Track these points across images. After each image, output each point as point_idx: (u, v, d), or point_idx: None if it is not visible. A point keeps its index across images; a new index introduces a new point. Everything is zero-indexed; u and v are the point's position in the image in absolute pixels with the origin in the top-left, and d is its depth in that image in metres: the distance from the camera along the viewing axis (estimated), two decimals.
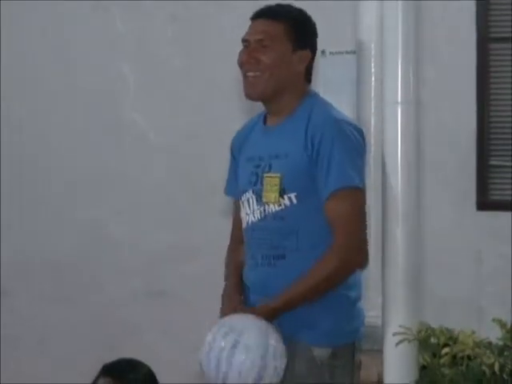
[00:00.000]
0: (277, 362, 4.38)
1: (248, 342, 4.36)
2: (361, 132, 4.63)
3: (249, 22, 4.72)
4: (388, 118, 4.78)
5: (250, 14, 4.73)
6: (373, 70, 4.98)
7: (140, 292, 7.99)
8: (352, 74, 5.11)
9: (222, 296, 4.83)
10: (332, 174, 4.48)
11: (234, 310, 4.60)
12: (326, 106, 4.66)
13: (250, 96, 4.68)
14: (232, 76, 4.82)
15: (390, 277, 4.75)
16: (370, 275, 4.83)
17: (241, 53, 4.64)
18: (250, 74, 4.60)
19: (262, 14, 4.66)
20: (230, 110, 5.32)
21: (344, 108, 4.95)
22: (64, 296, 8.20)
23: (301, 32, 4.65)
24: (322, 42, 4.98)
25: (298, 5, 4.70)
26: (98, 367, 5.36)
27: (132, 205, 8.08)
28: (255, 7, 4.77)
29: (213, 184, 5.17)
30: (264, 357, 4.35)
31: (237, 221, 4.94)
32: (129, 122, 8.20)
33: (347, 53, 5.14)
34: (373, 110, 4.97)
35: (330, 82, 4.98)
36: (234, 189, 4.93)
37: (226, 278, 4.88)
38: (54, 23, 8.32)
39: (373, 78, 4.98)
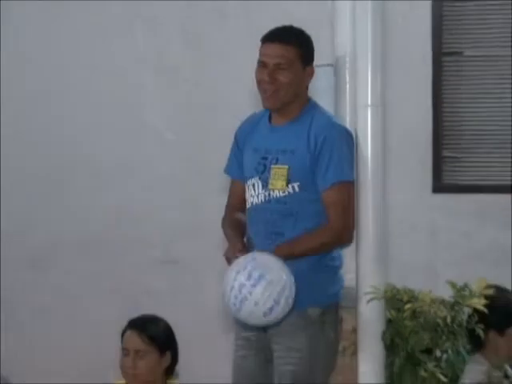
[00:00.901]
0: (289, 294, 4.43)
1: (271, 278, 4.38)
2: (351, 133, 4.79)
3: (247, 39, 4.78)
4: (360, 119, 4.81)
5: (249, 31, 4.77)
6: (347, 79, 5.04)
7: (157, 261, 8.02)
8: (330, 82, 5.16)
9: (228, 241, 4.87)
10: (331, 169, 4.64)
11: (242, 250, 4.64)
12: (324, 112, 4.83)
13: (269, 107, 4.80)
14: (233, 81, 4.84)
15: (362, 248, 4.78)
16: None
17: (259, 72, 4.71)
18: (269, 91, 4.66)
19: (276, 39, 4.70)
20: (231, 109, 5.33)
21: (323, 105, 5.02)
22: (91, 268, 8.21)
23: (308, 52, 4.78)
24: None
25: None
26: (124, 324, 5.38)
27: (150, 188, 8.07)
28: (254, 25, 4.82)
29: (217, 170, 5.18)
30: (280, 293, 4.39)
31: (232, 194, 5.06)
32: (147, 121, 8.18)
33: (326, 65, 5.17)
34: (348, 112, 5.01)
35: (313, 89, 5.00)
36: (232, 169, 5.05)
37: (226, 234, 4.94)
38: (86, 38, 8.26)
39: (347, 86, 5.04)
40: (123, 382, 5.39)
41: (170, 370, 5.36)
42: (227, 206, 5.05)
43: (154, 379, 5.28)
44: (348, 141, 4.74)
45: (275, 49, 4.66)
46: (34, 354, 7.96)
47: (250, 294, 4.34)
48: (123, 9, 8.21)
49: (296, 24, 5.39)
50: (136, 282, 7.84)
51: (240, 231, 4.90)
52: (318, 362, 4.76)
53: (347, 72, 5.02)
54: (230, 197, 5.06)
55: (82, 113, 8.33)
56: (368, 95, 4.76)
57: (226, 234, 4.95)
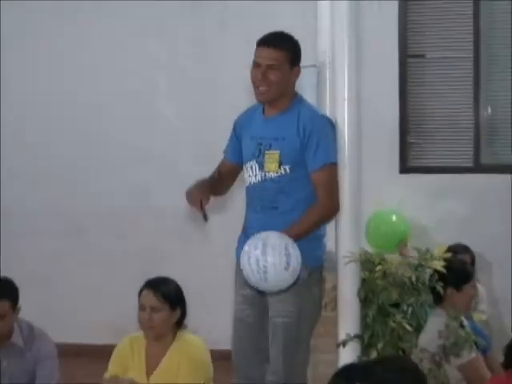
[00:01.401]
0: (297, 252, 4.45)
1: (273, 243, 4.43)
2: (333, 123, 4.86)
3: (243, 43, 4.84)
4: (338, 110, 4.87)
5: (244, 36, 4.81)
6: (328, 77, 5.05)
7: (171, 231, 8.07)
8: (314, 80, 5.17)
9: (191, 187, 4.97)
10: (320, 154, 4.69)
11: (202, 195, 4.80)
12: (310, 105, 4.87)
13: (261, 101, 4.84)
14: (231, 78, 4.86)
15: (341, 219, 4.83)
16: None
17: (254, 71, 4.73)
18: (262, 88, 4.71)
19: (270, 42, 4.72)
20: (230, 102, 5.35)
21: (308, 100, 5.05)
22: (118, 234, 8.27)
23: (295, 55, 4.78)
24: None
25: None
26: (142, 283, 5.41)
27: (166, 169, 8.11)
28: (249, 31, 4.85)
29: (216, 152, 5.21)
30: (287, 249, 4.42)
31: (222, 163, 5.14)
32: (160, 113, 8.21)
33: (310, 66, 5.18)
34: (328, 105, 5.03)
35: (300, 86, 5.00)
36: (229, 152, 5.10)
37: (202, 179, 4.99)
38: (110, 40, 8.27)
39: (328, 83, 5.06)
40: (141, 333, 5.44)
41: (179, 323, 5.39)
42: (215, 169, 5.10)
43: (166, 331, 5.30)
44: (331, 129, 4.81)
45: (268, 52, 4.69)
46: (63, 310, 8.00)
47: (266, 261, 4.38)
48: (139, 17, 8.23)
49: (284, 29, 5.44)
50: (153, 247, 7.85)
51: (212, 184, 4.94)
52: (306, 315, 4.78)
53: (328, 72, 5.03)
54: (219, 165, 5.12)
55: (107, 106, 8.34)
56: (345, 91, 4.83)
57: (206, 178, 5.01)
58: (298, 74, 4.79)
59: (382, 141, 7.68)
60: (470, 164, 7.88)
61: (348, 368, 4.32)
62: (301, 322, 4.77)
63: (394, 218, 6.80)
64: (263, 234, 4.52)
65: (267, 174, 4.77)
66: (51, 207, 8.45)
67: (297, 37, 4.80)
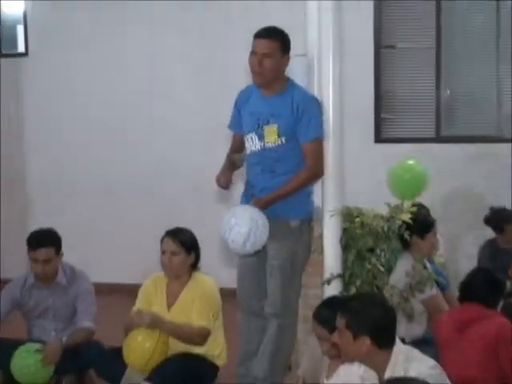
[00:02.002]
0: (263, 222, 4.57)
1: (239, 215, 4.61)
2: (321, 103, 4.85)
3: (244, 35, 4.85)
4: (324, 92, 4.85)
5: (246, 29, 4.81)
6: (315, 64, 4.99)
7: (186, 189, 8.09)
8: (303, 67, 5.13)
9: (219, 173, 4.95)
10: (311, 129, 4.73)
11: (226, 180, 4.86)
12: (301, 88, 4.87)
13: (256, 83, 4.85)
14: (233, 64, 4.86)
15: (326, 180, 4.84)
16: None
17: (251, 59, 4.74)
18: (257, 72, 4.73)
19: (265, 35, 4.74)
20: (233, 83, 5.33)
21: (299, 83, 5.02)
22: (144, 192, 8.30)
23: (286, 44, 4.78)
24: None
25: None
26: (163, 233, 5.46)
27: (182, 138, 8.12)
28: (249, 26, 4.84)
29: (223, 125, 5.21)
30: (252, 220, 4.55)
31: (234, 143, 5.11)
32: (177, 92, 8.22)
33: (301, 55, 5.16)
34: (315, 87, 4.98)
35: (292, 72, 4.99)
36: (233, 125, 5.10)
37: (224, 165, 4.99)
38: (135, 36, 8.33)
39: (315, 69, 4.99)
40: (162, 274, 5.46)
41: (194, 266, 5.41)
42: (230, 146, 5.12)
43: (183, 271, 5.32)
44: (320, 108, 4.81)
45: (263, 42, 4.71)
46: (99, 254, 8.06)
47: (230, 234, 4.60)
48: (160, 16, 8.23)
49: (279, 24, 5.40)
50: (173, 205, 7.87)
51: (232, 165, 4.96)
52: (298, 258, 4.84)
53: (315, 60, 4.97)
54: (232, 141, 5.14)
55: (133, 87, 8.36)
56: (330, 75, 4.83)
57: (225, 162, 5.02)
58: (288, 61, 4.81)
59: (360, 116, 7.65)
60: (432, 135, 7.90)
61: (331, 300, 4.37)
62: (294, 264, 4.81)
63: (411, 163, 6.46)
64: (232, 210, 4.72)
65: (266, 144, 4.80)
66: (89, 172, 8.49)
67: (289, 30, 4.79)
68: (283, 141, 4.75)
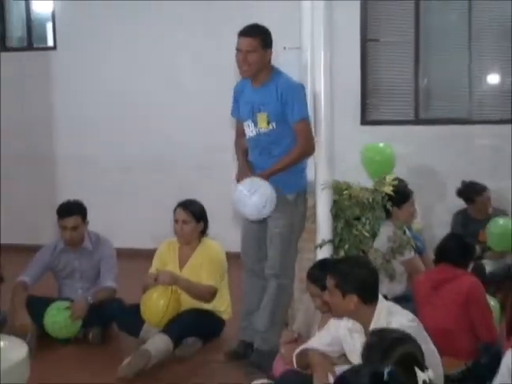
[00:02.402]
0: (272, 197, 4.55)
1: (262, 190, 4.54)
2: (304, 87, 4.77)
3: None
4: (316, 81, 4.80)
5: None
6: (308, 56, 4.93)
7: (194, 166, 8.06)
8: (298, 58, 5.07)
9: (238, 169, 4.92)
10: (296, 111, 4.65)
11: (248, 176, 4.70)
12: (285, 75, 4.77)
13: (243, 76, 4.81)
14: (232, 58, 4.78)
15: (319, 157, 4.80)
16: None
17: (237, 56, 4.69)
18: (244, 68, 4.68)
19: (247, 33, 4.67)
20: (231, 74, 5.30)
21: (295, 75, 4.98)
22: (158, 169, 8.29)
23: (267, 40, 4.70)
24: (282, 42, 5.01)
25: (267, 25, 4.76)
26: (175, 204, 5.46)
27: (191, 126, 8.08)
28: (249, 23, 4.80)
29: (227, 118, 5.19)
30: (268, 197, 4.53)
31: (238, 127, 5.02)
32: (185, 82, 8.18)
33: (295, 48, 5.12)
34: (309, 76, 4.92)
35: (287, 62, 4.96)
36: (234, 112, 5.02)
37: (238, 158, 4.97)
38: (151, 35, 8.26)
39: (309, 61, 4.93)
40: (175, 239, 5.47)
41: (203, 232, 5.43)
42: (236, 134, 5.04)
43: (193, 237, 5.33)
44: (303, 92, 4.75)
45: (246, 40, 4.65)
46: (119, 223, 8.06)
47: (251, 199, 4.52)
48: (167, 12, 8.18)
49: (277, 22, 5.41)
50: (183, 180, 7.84)
51: (245, 156, 4.92)
52: (295, 226, 4.82)
53: (309, 52, 4.92)
54: (236, 128, 5.07)
55: (150, 79, 8.33)
56: (321, 66, 4.77)
57: (237, 154, 5.00)
58: (270, 55, 4.74)
59: (348, 102, 7.61)
60: (411, 118, 7.87)
61: (322, 262, 4.37)
62: (291, 231, 4.80)
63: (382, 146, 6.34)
64: (254, 181, 4.61)
65: (260, 129, 4.76)
66: (110, 153, 8.49)
67: (285, 26, 4.79)
68: (274, 126, 4.71)
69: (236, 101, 4.98)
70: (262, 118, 4.74)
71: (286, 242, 4.77)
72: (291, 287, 4.91)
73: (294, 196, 4.77)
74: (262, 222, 4.81)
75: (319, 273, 4.06)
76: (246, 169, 4.84)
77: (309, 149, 4.77)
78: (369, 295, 3.51)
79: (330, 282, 3.56)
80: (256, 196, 4.50)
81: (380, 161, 5.57)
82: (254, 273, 5.00)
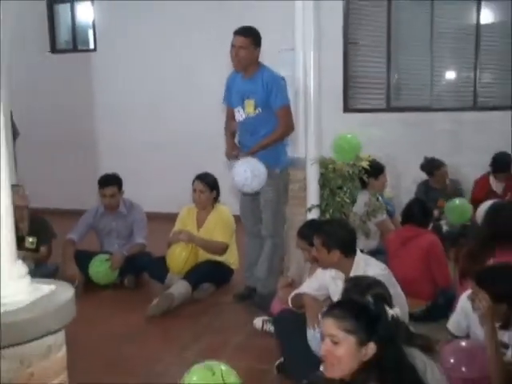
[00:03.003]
0: (262, 171, 4.56)
1: (257, 167, 4.55)
2: (284, 79, 4.81)
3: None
4: (307, 77, 4.73)
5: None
6: (301, 56, 4.89)
7: (208, 147, 7.88)
8: (292, 58, 5.06)
9: (226, 146, 4.90)
10: (278, 99, 4.61)
11: (234, 152, 4.77)
12: (269, 69, 4.72)
13: (236, 69, 4.75)
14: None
15: (308, 138, 4.75)
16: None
17: (231, 51, 4.63)
18: (236, 61, 4.64)
19: (240, 33, 4.62)
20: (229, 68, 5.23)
21: (289, 72, 4.94)
22: (180, 148, 8.22)
23: (257, 40, 4.64)
24: (278, 44, 4.97)
25: (261, 29, 4.71)
26: (193, 176, 5.43)
27: (204, 114, 8.01)
28: (254, 23, 4.72)
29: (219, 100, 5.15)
30: (259, 174, 4.55)
31: (228, 113, 4.94)
32: (199, 72, 8.05)
33: (289, 49, 5.07)
34: (301, 72, 4.89)
35: (282, 62, 4.93)
36: (226, 100, 4.94)
37: (226, 138, 4.93)
38: (168, 34, 8.13)
39: (301, 59, 4.89)
40: (194, 205, 5.47)
41: (216, 199, 5.44)
42: (226, 118, 4.98)
43: (208, 204, 5.33)
44: (284, 83, 4.74)
45: (239, 39, 4.62)
46: (149, 192, 8.02)
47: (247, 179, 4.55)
48: (187, 17, 8.06)
49: (272, 24, 5.33)
50: (199, 157, 7.77)
51: (233, 136, 4.89)
52: (280, 195, 4.83)
53: (301, 52, 4.88)
54: (226, 114, 4.98)
55: (170, 72, 8.24)
56: (311, 64, 4.69)
57: (226, 135, 4.94)
58: (259, 52, 4.68)
59: (333, 93, 7.52)
60: (384, 107, 7.78)
61: (309, 223, 4.37)
62: (279, 199, 4.81)
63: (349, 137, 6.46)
64: (246, 160, 4.59)
65: (248, 114, 4.71)
66: (141, 135, 8.44)
67: (281, 30, 4.70)
68: (260, 111, 4.67)
69: (228, 90, 4.91)
70: (249, 104, 4.69)
71: (275, 207, 4.77)
72: (283, 243, 4.93)
73: (278, 171, 4.76)
74: (256, 195, 4.80)
75: (307, 231, 4.08)
76: (233, 147, 4.82)
77: (289, 129, 4.75)
78: (349, 250, 3.51)
79: (316, 240, 3.56)
80: (255, 181, 4.55)
81: (347, 148, 5.56)
82: (253, 234, 5.01)
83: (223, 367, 2.81)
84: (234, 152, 4.79)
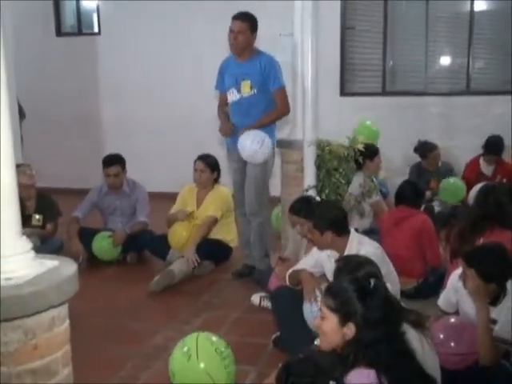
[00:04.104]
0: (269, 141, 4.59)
1: (258, 136, 4.56)
2: (278, 62, 4.72)
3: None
4: (305, 60, 4.68)
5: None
6: (299, 41, 4.83)
7: (209, 129, 7.86)
8: (290, 42, 5.01)
9: (221, 124, 4.88)
10: (275, 81, 4.62)
11: (229, 127, 4.76)
12: (266, 53, 4.72)
13: (233, 53, 4.72)
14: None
15: (305, 121, 4.70)
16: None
17: (229, 35, 4.61)
18: (233, 45, 4.63)
19: (239, 18, 4.62)
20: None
21: (288, 56, 4.90)
22: (181, 131, 8.16)
23: (253, 25, 4.63)
24: (278, 29, 4.92)
25: (262, 15, 4.69)
26: (195, 157, 5.40)
27: (206, 99, 7.98)
28: (256, 13, 4.67)
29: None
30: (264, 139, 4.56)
31: (221, 99, 4.93)
32: (203, 61, 7.93)
33: (289, 34, 5.04)
34: (299, 56, 4.84)
35: (282, 47, 4.91)
36: (218, 86, 4.93)
37: (220, 118, 4.91)
38: (177, 27, 8.07)
39: (299, 44, 4.85)
40: (194, 185, 5.45)
41: (216, 180, 5.42)
42: (219, 104, 4.97)
43: (208, 184, 5.31)
44: (279, 66, 4.70)
45: (237, 23, 4.61)
46: (151, 173, 8.02)
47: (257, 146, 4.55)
48: (190, 8, 7.98)
49: (272, 10, 5.27)
50: (200, 139, 7.73)
51: (226, 116, 4.87)
52: (266, 173, 4.81)
53: (299, 37, 4.84)
54: (219, 99, 4.97)
55: (175, 59, 8.19)
56: (309, 48, 4.63)
57: (219, 117, 4.91)
58: (255, 37, 4.69)
59: (330, 77, 7.48)
60: (379, 91, 7.75)
61: (300, 199, 4.33)
62: (263, 177, 4.80)
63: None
64: (251, 132, 4.58)
65: (243, 95, 4.71)
66: (143, 117, 8.39)
67: (281, 15, 4.66)
68: (255, 91, 4.67)
69: (220, 75, 4.90)
70: (245, 84, 4.69)
71: (260, 185, 4.76)
72: (269, 221, 5.01)
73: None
74: (244, 171, 4.81)
75: (300, 205, 4.13)
76: (227, 123, 4.81)
77: (285, 110, 4.76)
78: (341, 229, 3.51)
79: (309, 224, 3.57)
80: (266, 141, 4.58)
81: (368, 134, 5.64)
82: (244, 213, 5.00)
83: (200, 346, 2.82)
84: (231, 128, 4.78)
